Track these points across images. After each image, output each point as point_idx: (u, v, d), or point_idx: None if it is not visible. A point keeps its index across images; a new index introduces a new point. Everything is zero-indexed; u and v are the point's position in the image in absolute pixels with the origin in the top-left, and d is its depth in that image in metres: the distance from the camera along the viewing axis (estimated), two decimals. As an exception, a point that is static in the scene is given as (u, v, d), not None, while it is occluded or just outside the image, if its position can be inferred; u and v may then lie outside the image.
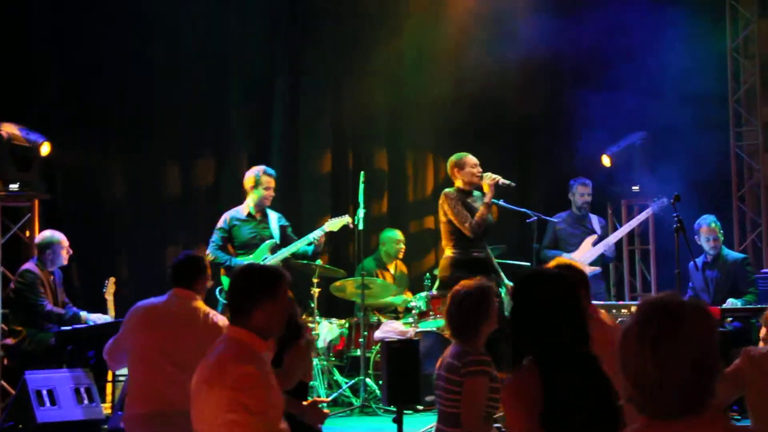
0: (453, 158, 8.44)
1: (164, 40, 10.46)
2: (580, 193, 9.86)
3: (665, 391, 2.31)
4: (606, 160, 10.69)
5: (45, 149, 8.93)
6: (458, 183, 8.34)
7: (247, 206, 8.90)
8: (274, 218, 8.94)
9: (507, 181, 8.35)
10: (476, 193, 8.39)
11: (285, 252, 8.74)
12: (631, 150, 10.69)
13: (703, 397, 2.34)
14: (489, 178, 8.27)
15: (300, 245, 8.80)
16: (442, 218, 8.30)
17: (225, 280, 8.72)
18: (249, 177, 8.92)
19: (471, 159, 8.40)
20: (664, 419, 2.33)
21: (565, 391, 3.31)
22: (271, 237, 8.80)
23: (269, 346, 4.09)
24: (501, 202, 8.69)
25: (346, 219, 8.90)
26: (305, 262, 9.18)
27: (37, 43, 9.89)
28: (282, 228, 8.92)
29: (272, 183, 8.91)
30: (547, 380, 3.32)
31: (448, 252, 8.27)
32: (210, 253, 8.71)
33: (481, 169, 8.35)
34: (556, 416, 3.29)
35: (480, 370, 4.72)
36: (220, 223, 8.88)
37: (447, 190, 8.36)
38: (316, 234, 8.76)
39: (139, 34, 10.34)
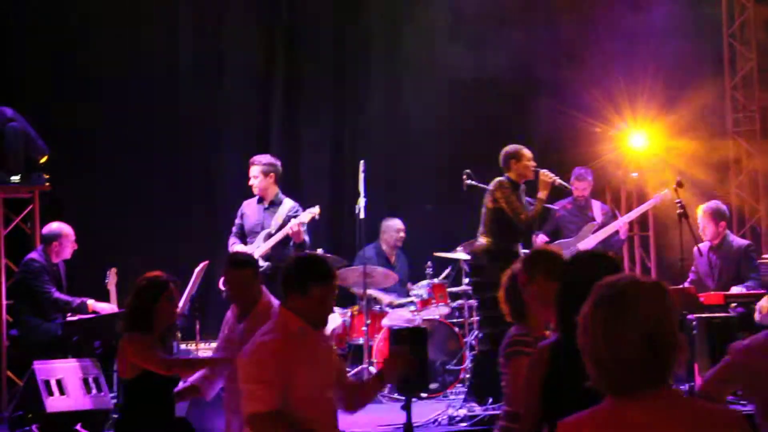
0: (509, 149, 8.32)
1: (162, 29, 10.45)
2: (575, 186, 9.84)
3: (619, 368, 2.39)
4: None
5: (44, 159, 9.01)
6: (511, 174, 8.22)
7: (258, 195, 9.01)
8: (285, 208, 8.89)
9: (564, 183, 8.33)
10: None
11: (271, 242, 8.70)
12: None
13: (660, 374, 2.41)
14: (547, 176, 8.24)
15: (280, 235, 8.70)
16: (489, 205, 8.14)
17: None
18: None
19: (528, 153, 8.31)
20: (625, 396, 2.40)
21: (565, 368, 3.37)
22: (270, 225, 8.82)
23: None
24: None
25: (314, 210, 8.83)
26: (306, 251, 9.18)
27: (35, 33, 9.87)
28: (288, 218, 8.85)
29: (252, 171, 8.88)
30: (554, 356, 3.49)
31: (484, 239, 8.18)
32: (229, 242, 8.87)
33: (535, 164, 8.31)
34: (552, 390, 3.47)
35: (517, 350, 4.77)
36: (238, 212, 9.05)
37: (501, 179, 8.21)
38: (293, 222, 8.63)
39: (136, 24, 10.32)
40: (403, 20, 11.51)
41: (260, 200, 8.96)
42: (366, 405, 4.62)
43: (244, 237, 8.91)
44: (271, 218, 8.85)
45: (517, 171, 8.23)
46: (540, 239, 9.61)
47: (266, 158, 9.01)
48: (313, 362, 4.17)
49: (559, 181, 8.29)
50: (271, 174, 8.93)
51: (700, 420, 2.43)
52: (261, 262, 8.59)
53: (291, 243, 8.73)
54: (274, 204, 8.94)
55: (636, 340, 2.37)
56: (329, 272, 4.23)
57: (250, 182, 8.91)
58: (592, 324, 2.42)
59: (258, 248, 8.68)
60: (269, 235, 8.76)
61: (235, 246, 8.80)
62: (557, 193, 9.97)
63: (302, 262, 4.32)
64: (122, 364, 5.10)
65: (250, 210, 8.96)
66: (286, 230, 8.62)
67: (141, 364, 5.01)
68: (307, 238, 8.73)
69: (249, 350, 4.15)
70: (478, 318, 8.75)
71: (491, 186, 8.19)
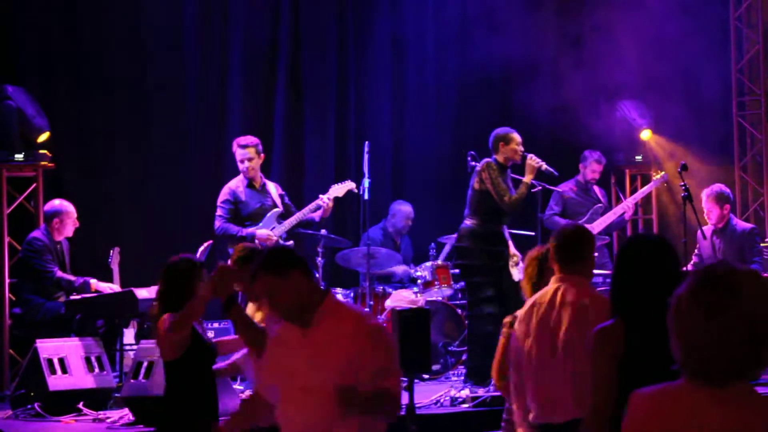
0: (499, 131, 8.34)
1: (165, 10, 10.42)
2: (593, 169, 9.84)
3: (716, 356, 2.34)
4: (645, 134, 10.68)
5: (43, 137, 8.96)
6: (499, 157, 8.24)
7: (242, 178, 8.77)
8: (272, 187, 8.87)
9: (550, 168, 8.33)
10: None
11: (293, 220, 8.71)
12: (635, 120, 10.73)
13: (751, 367, 2.36)
14: (534, 161, 8.23)
15: (306, 211, 8.74)
16: (476, 186, 8.18)
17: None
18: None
19: (517, 137, 8.32)
20: (710, 386, 2.36)
21: (644, 342, 3.48)
22: (275, 206, 8.78)
23: None
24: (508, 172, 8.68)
25: (349, 184, 8.85)
26: (310, 231, 9.18)
27: (35, 7, 9.85)
28: (281, 197, 8.86)
29: (245, 154, 8.68)
30: (631, 331, 3.54)
31: (469, 221, 8.22)
32: (219, 228, 8.62)
33: (523, 149, 8.31)
34: (633, 365, 3.50)
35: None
36: (225, 196, 8.72)
37: (489, 160, 8.23)
38: (325, 198, 8.64)
39: (141, 4, 10.30)
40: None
41: (249, 184, 8.75)
42: None
43: (239, 221, 8.68)
44: (269, 199, 8.79)
45: (505, 154, 8.24)
46: (558, 221, 9.62)
47: (254, 138, 8.84)
48: None
49: (545, 166, 8.25)
50: (262, 154, 8.86)
51: None
52: (282, 243, 8.58)
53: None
54: (263, 185, 8.86)
55: (742, 329, 2.32)
56: None
57: (245, 166, 8.67)
58: (690, 309, 2.37)
59: (274, 228, 8.62)
60: (281, 215, 8.71)
61: (248, 231, 8.61)
62: (563, 175, 9.97)
63: None
64: (161, 346, 5.05)
65: (243, 194, 8.73)
66: (319, 203, 8.61)
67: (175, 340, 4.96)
68: (317, 217, 8.79)
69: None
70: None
71: (478, 167, 8.18)
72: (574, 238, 4.57)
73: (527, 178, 8.21)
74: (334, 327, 3.86)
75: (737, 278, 2.38)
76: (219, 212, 8.70)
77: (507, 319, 5.05)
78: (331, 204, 8.67)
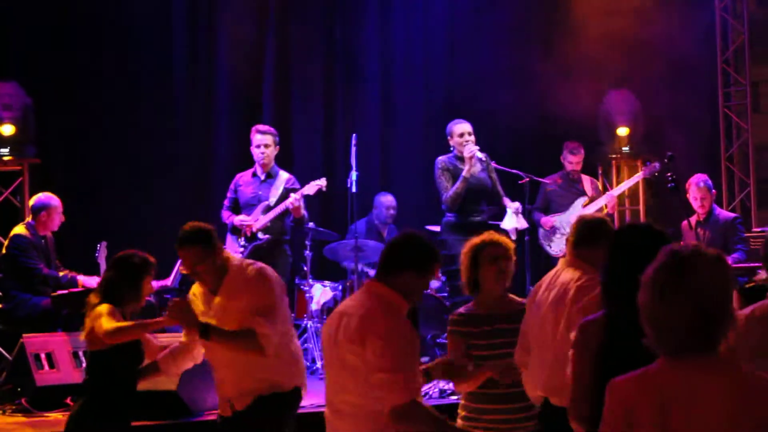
0: (447, 127, 8.55)
1: (153, 12, 10.38)
2: (569, 161, 9.87)
3: (672, 332, 2.60)
4: (622, 130, 10.72)
5: (8, 129, 8.94)
6: (457, 151, 8.43)
7: (255, 167, 8.90)
8: (282, 180, 8.86)
9: (480, 155, 8.37)
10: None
11: (271, 215, 8.68)
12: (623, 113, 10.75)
13: (709, 340, 2.60)
14: (468, 152, 8.29)
15: (281, 208, 8.68)
16: (437, 184, 8.46)
17: (229, 239, 8.82)
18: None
19: (458, 128, 8.47)
20: (676, 358, 2.60)
21: (624, 336, 3.43)
22: (268, 198, 8.77)
23: None
24: (493, 164, 8.72)
25: (321, 182, 8.84)
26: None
27: (27, 7, 9.81)
28: (285, 191, 8.80)
29: (263, 140, 8.78)
30: (611, 324, 3.55)
31: (447, 215, 8.44)
32: (221, 214, 8.84)
33: (469, 139, 8.36)
34: (612, 358, 3.49)
35: (452, 330, 4.99)
36: (230, 185, 8.96)
37: (439, 157, 8.47)
38: (294, 197, 8.62)
39: (130, 9, 10.28)
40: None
41: (255, 173, 8.86)
42: None
43: (238, 210, 8.85)
44: (268, 190, 8.80)
45: (455, 147, 8.44)
46: (536, 216, 9.67)
47: (270, 128, 8.97)
48: None
49: (478, 154, 8.32)
50: (278, 145, 8.93)
51: (743, 387, 2.57)
52: (260, 235, 8.59)
53: (291, 217, 8.73)
54: (271, 176, 8.88)
55: (688, 306, 2.57)
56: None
57: (261, 151, 8.75)
58: (651, 287, 2.63)
59: (256, 221, 8.64)
60: (268, 208, 8.72)
61: (233, 218, 8.76)
62: (552, 167, 9.98)
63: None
64: (90, 337, 4.96)
65: (244, 183, 8.87)
66: (286, 204, 8.59)
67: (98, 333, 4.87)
68: (305, 212, 8.73)
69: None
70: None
71: None
72: (592, 225, 4.56)
73: (465, 171, 8.31)
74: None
75: (696, 260, 2.61)
76: (225, 201, 8.94)
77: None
78: (299, 204, 8.60)
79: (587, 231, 4.51)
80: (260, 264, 5.04)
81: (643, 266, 3.57)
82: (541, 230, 9.74)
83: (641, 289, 2.66)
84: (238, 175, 8.99)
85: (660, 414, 2.56)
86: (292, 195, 8.62)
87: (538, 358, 4.45)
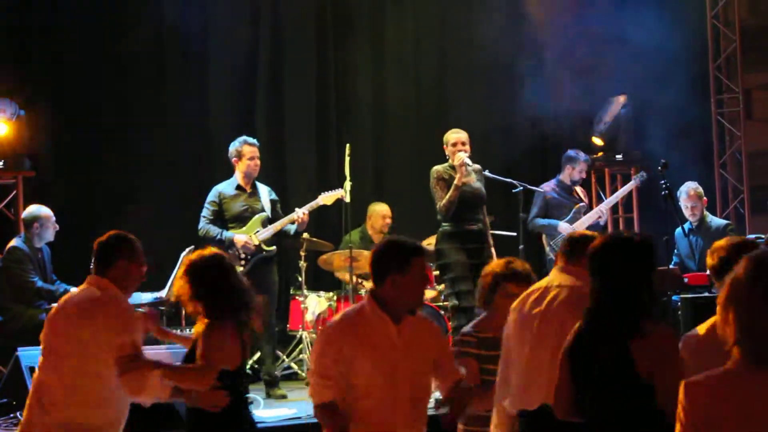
0: (445, 135, 8.57)
1: (147, 12, 10.38)
2: (581, 169, 9.82)
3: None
4: (597, 141, 10.75)
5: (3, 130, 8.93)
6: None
7: (235, 179, 8.79)
8: (264, 191, 8.85)
9: (467, 162, 8.38)
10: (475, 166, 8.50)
11: (277, 225, 8.69)
12: (616, 120, 10.76)
13: None
14: (457, 160, 8.33)
15: (286, 222, 8.73)
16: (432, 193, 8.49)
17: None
18: (232, 150, 8.80)
19: (451, 137, 8.52)
20: (760, 366, 2.56)
21: (587, 339, 3.66)
22: (263, 210, 8.75)
23: None
24: (487, 172, 8.73)
25: (339, 192, 8.85)
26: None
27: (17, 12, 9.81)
28: (272, 202, 8.86)
29: (256, 152, 8.77)
30: (580, 335, 3.73)
31: (443, 225, 8.46)
32: (201, 228, 8.65)
33: (462, 149, 8.39)
34: (577, 355, 3.69)
35: (463, 352, 4.97)
36: (210, 197, 8.75)
37: (435, 166, 8.50)
38: (299, 212, 8.65)
39: (122, 5, 10.27)
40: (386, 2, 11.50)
41: (239, 185, 8.75)
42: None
43: (222, 224, 8.67)
44: (258, 203, 8.77)
45: (449, 156, 8.46)
46: (542, 222, 9.65)
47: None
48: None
49: (467, 162, 8.33)
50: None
51: None
52: (264, 246, 8.57)
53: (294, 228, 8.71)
54: (254, 188, 8.85)
55: None
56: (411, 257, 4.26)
57: (255, 163, 8.72)
58: (751, 295, 2.57)
59: (259, 233, 8.60)
60: (268, 220, 8.70)
61: (227, 233, 8.61)
62: (547, 175, 10.00)
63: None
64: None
65: (230, 196, 8.74)
66: (292, 217, 8.59)
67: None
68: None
69: None
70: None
71: None
72: (584, 237, 4.61)
73: (457, 180, 8.34)
74: None
75: None
76: (203, 213, 8.73)
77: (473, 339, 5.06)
78: (305, 217, 8.64)
79: (574, 246, 4.57)
80: None
81: (623, 284, 3.67)
82: (551, 236, 9.68)
83: (736, 293, 2.62)
84: (218, 189, 8.78)
85: (739, 419, 2.55)
86: (298, 210, 8.62)
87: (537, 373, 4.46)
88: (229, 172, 8.97)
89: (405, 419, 4.23)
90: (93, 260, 4.93)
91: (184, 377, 4.62)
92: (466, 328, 5.10)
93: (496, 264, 5.07)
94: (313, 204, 8.81)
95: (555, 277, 4.52)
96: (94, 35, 10.06)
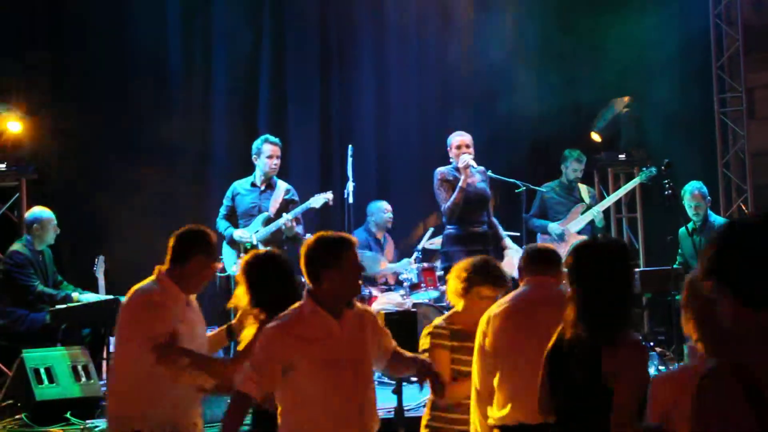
0: (447, 140, 8.65)
1: (148, 11, 10.38)
2: (574, 168, 9.89)
3: None
4: (595, 137, 10.76)
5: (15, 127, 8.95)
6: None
7: (253, 176, 8.91)
8: (281, 191, 8.89)
9: (472, 163, 8.40)
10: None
11: (272, 227, 8.70)
12: (617, 119, 10.76)
13: None
14: (461, 162, 8.36)
15: (274, 227, 8.71)
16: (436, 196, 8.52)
17: (225, 250, 8.83)
18: (254, 147, 8.93)
19: (457, 139, 8.58)
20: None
21: (565, 343, 3.86)
22: (267, 209, 8.77)
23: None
24: (489, 173, 8.74)
25: (328, 195, 8.87)
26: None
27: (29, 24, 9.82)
28: (285, 202, 8.86)
29: (276, 151, 8.84)
30: (557, 341, 3.92)
31: (448, 228, 8.53)
32: (217, 222, 8.83)
33: (466, 151, 8.43)
34: (554, 358, 3.90)
35: (435, 344, 5.02)
36: (228, 193, 8.97)
37: (438, 168, 8.56)
38: (286, 218, 8.65)
39: (125, 7, 10.28)
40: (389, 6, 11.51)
41: (253, 182, 8.85)
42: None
43: (234, 220, 8.84)
44: (267, 201, 8.81)
45: (454, 158, 8.53)
46: (536, 223, 9.67)
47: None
48: None
49: (471, 163, 8.36)
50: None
51: None
52: (261, 247, 8.58)
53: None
54: (270, 186, 8.90)
55: None
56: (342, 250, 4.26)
57: (274, 162, 8.80)
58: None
59: (257, 232, 8.62)
60: (269, 219, 8.72)
61: (230, 230, 8.76)
62: (547, 175, 10.00)
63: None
64: None
65: (243, 192, 8.88)
66: (278, 224, 8.61)
67: None
68: (300, 229, 8.72)
69: None
70: None
71: None
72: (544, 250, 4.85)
73: (461, 182, 8.39)
74: None
75: None
76: (221, 208, 8.96)
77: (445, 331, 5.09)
78: (292, 224, 8.63)
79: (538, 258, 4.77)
80: None
81: (595, 291, 3.81)
82: (548, 236, 9.70)
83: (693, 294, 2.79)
84: (236, 183, 9.00)
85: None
86: (285, 215, 8.64)
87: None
88: (232, 171, 9.02)
89: (357, 408, 4.25)
90: (169, 253, 4.81)
91: (210, 367, 4.67)
92: (439, 321, 5.12)
93: (470, 264, 5.07)
94: (303, 207, 8.80)
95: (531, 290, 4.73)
96: (98, 41, 10.06)
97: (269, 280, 4.69)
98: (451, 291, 5.08)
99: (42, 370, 7.44)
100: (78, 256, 9.47)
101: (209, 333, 5.11)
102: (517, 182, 8.95)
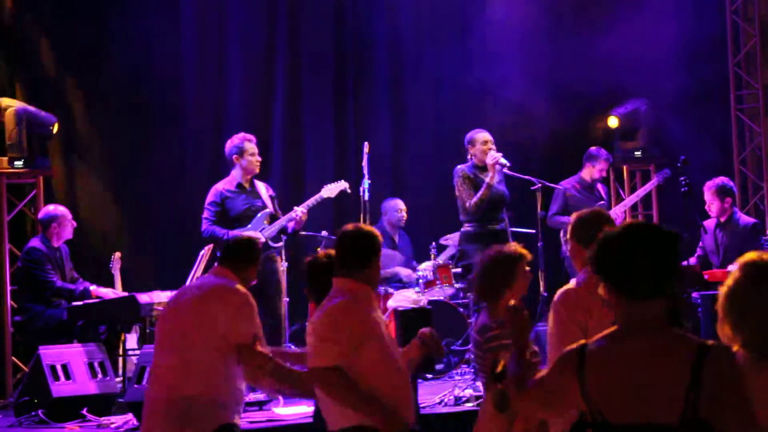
0: (466, 136, 8.62)
1: (163, 10, 10.39)
2: (601, 167, 9.80)
3: None
4: (613, 121, 10.73)
5: (55, 128, 9.01)
6: (475, 160, 8.52)
7: (234, 177, 8.62)
8: (262, 188, 8.74)
9: (504, 161, 8.40)
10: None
11: (282, 223, 8.64)
12: (634, 115, 10.73)
13: None
14: (491, 158, 8.34)
15: (284, 220, 8.60)
16: (456, 193, 8.54)
17: None
18: (231, 147, 8.64)
19: (482, 136, 8.53)
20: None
21: None
22: (265, 207, 8.66)
23: None
24: (505, 170, 8.71)
25: (342, 184, 8.83)
26: (310, 233, 9.20)
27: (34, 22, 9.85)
28: (272, 198, 8.75)
29: (256, 148, 8.68)
30: None
31: (465, 226, 8.54)
32: (205, 230, 8.49)
33: (492, 147, 8.43)
34: None
35: (499, 345, 4.82)
36: (212, 198, 8.56)
37: (458, 166, 8.53)
38: (297, 211, 8.57)
39: (140, 6, 10.29)
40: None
41: (239, 183, 8.58)
42: None
43: (225, 224, 8.46)
44: (259, 200, 8.64)
45: (475, 155, 8.51)
46: (560, 219, 9.63)
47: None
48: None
49: (500, 160, 8.35)
50: None
51: None
52: (272, 244, 8.55)
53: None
54: (253, 185, 8.73)
55: None
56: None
57: (257, 159, 8.63)
58: (751, 296, 3.04)
59: (265, 230, 8.56)
60: (273, 217, 8.67)
61: (231, 233, 8.53)
62: (566, 172, 9.97)
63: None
64: None
65: (231, 194, 8.57)
66: (291, 216, 8.55)
67: None
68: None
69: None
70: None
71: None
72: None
73: (489, 178, 8.38)
74: None
75: None
76: (205, 214, 8.55)
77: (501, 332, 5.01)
78: (303, 217, 8.56)
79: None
80: None
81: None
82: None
83: (733, 297, 3.09)
84: (218, 187, 8.62)
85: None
86: (296, 208, 8.59)
87: None
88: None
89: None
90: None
91: (291, 379, 4.82)
92: (485, 323, 5.01)
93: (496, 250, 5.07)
94: (316, 198, 8.74)
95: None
96: (116, 46, 10.06)
97: None
98: (483, 286, 5.10)
99: (58, 367, 7.46)
100: (94, 253, 9.50)
101: None
102: (532, 179, 8.93)
